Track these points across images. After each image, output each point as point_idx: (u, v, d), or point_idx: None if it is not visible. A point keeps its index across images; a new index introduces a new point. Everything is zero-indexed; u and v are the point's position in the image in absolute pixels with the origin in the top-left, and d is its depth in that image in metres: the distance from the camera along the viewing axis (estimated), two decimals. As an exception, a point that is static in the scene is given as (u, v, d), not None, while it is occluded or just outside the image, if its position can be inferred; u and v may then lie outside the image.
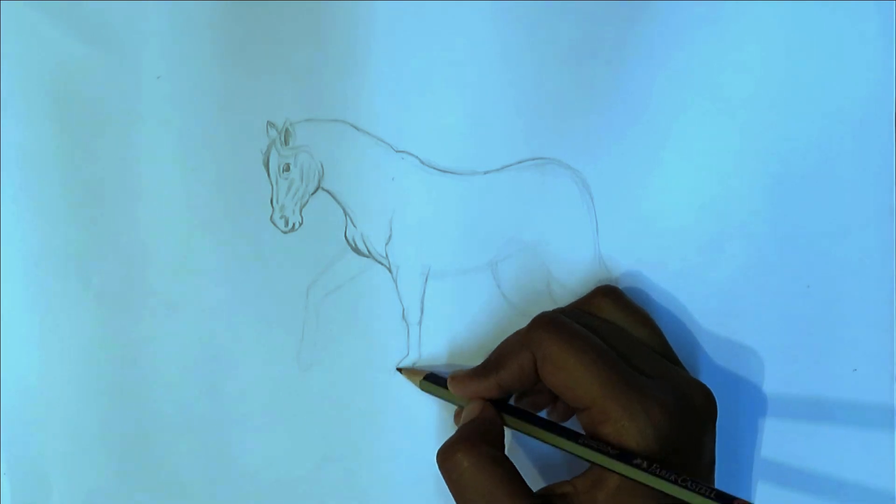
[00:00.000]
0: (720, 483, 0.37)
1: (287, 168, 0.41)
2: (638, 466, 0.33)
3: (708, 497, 0.31)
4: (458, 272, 0.41)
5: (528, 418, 0.37)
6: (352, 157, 0.41)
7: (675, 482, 0.32)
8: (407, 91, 0.40)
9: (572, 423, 0.38)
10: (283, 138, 0.41)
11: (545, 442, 0.36)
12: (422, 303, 0.41)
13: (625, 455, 0.33)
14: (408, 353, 0.42)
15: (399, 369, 0.42)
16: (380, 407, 0.42)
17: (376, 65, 0.40)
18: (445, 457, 0.35)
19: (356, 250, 0.41)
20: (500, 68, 0.40)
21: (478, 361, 0.41)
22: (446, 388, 0.39)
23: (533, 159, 0.41)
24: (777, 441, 0.42)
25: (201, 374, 0.42)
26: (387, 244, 0.41)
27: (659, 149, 0.41)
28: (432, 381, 0.40)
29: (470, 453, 0.34)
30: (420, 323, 0.41)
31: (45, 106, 0.41)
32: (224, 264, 0.41)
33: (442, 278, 0.41)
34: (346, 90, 0.40)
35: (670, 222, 0.41)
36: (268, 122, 0.41)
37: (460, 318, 0.42)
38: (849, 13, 0.40)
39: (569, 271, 0.40)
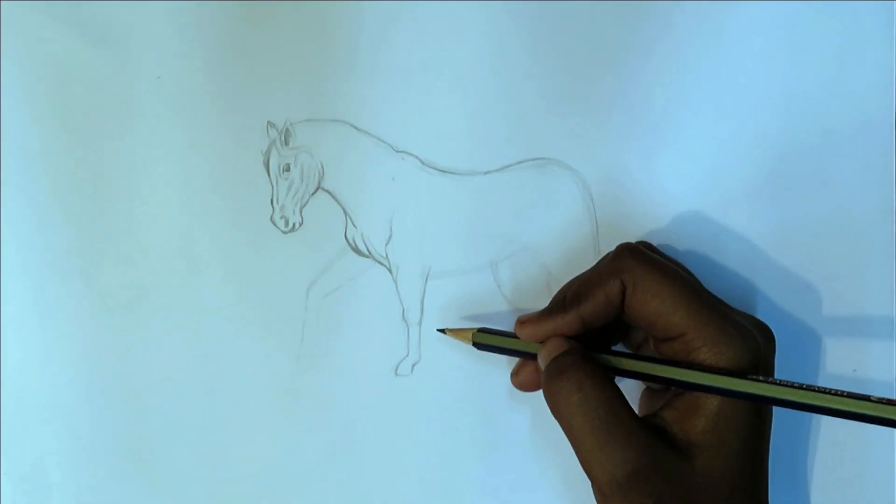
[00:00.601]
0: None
1: (287, 168, 0.41)
2: (756, 380, 0.32)
3: (842, 396, 0.31)
4: (459, 272, 0.41)
5: (620, 354, 0.36)
6: (352, 157, 0.41)
7: (802, 388, 0.31)
8: (407, 91, 0.40)
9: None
10: (283, 138, 0.41)
11: (646, 376, 0.35)
12: (422, 303, 0.41)
13: (738, 372, 0.33)
14: (408, 354, 0.42)
15: (441, 330, 0.40)
16: (380, 407, 0.42)
17: (376, 65, 0.40)
18: (562, 376, 0.34)
19: (356, 250, 0.41)
20: (501, 69, 0.40)
21: (479, 362, 0.41)
22: (505, 337, 0.38)
23: (533, 160, 0.41)
24: (777, 441, 0.42)
25: (201, 374, 0.42)
26: (387, 244, 0.41)
27: (659, 149, 0.41)
28: (486, 336, 0.39)
29: (592, 372, 0.34)
30: (420, 323, 0.41)
31: (45, 106, 0.41)
32: (224, 264, 0.41)
33: (442, 278, 0.41)
34: (347, 90, 0.40)
35: (670, 222, 0.41)
36: (268, 122, 0.41)
37: (460, 319, 0.41)
38: (849, 13, 0.40)
39: (569, 271, 0.40)
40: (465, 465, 0.42)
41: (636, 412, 0.34)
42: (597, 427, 0.33)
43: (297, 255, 0.41)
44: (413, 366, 0.42)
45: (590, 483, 0.35)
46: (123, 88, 0.41)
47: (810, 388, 0.31)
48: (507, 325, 0.41)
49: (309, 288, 0.41)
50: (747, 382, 0.32)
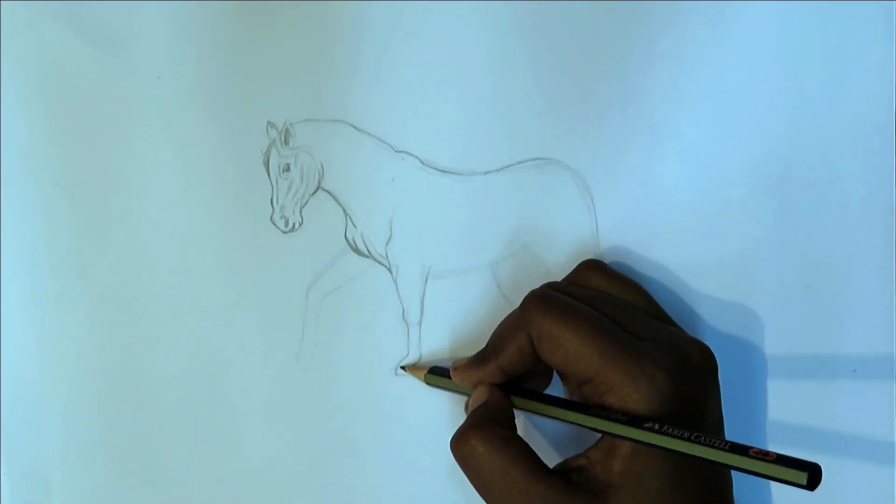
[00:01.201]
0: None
1: (287, 168, 0.41)
2: (649, 429, 0.32)
3: (722, 450, 0.31)
4: (458, 272, 0.41)
5: (534, 397, 0.37)
6: (352, 157, 0.41)
7: (688, 439, 0.31)
8: (407, 91, 0.40)
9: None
10: (283, 138, 0.41)
11: (554, 418, 0.36)
12: (422, 303, 0.41)
13: (635, 420, 0.33)
14: (408, 354, 0.42)
15: (402, 367, 0.42)
16: (380, 407, 0.42)
17: (377, 65, 0.40)
18: (459, 444, 0.35)
19: (356, 250, 0.41)
20: (501, 69, 0.40)
21: (478, 361, 0.41)
22: (450, 379, 0.39)
23: (533, 160, 0.41)
24: (776, 442, 0.42)
25: (201, 374, 0.42)
26: (387, 244, 0.41)
27: (659, 149, 0.41)
28: (437, 373, 0.40)
29: (482, 438, 0.34)
30: (420, 323, 0.41)
31: (46, 106, 0.41)
32: (224, 264, 0.41)
33: (442, 278, 0.41)
34: (347, 90, 0.40)
35: (670, 223, 0.41)
36: (268, 122, 0.41)
37: (460, 319, 0.42)
38: (849, 13, 0.40)
39: (569, 271, 0.40)
40: (464, 465, 0.42)
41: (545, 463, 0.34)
42: (494, 489, 0.34)
43: (297, 255, 0.41)
44: (417, 362, 0.42)
45: None
46: (123, 88, 0.41)
47: (697, 440, 0.31)
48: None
49: (309, 288, 0.41)
50: (639, 431, 0.32)
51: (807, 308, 0.41)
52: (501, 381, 0.38)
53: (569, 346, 0.34)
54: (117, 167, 0.41)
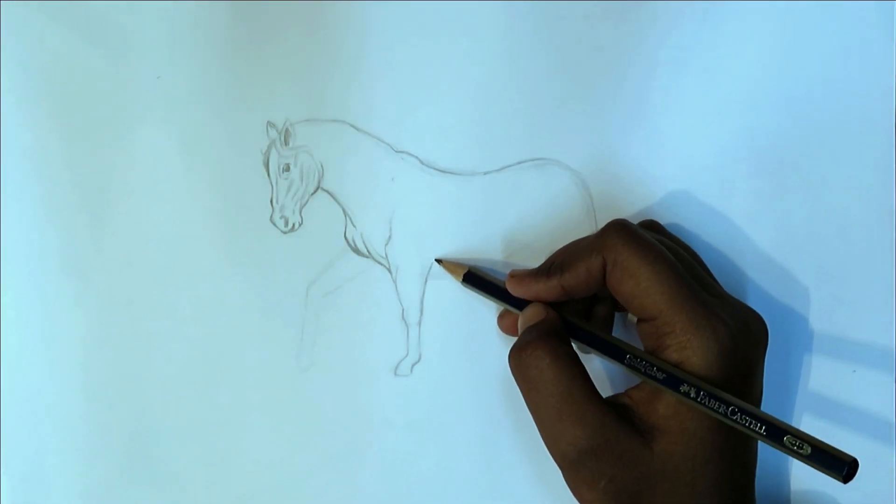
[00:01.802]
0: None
1: (287, 168, 0.41)
2: (685, 395, 0.32)
3: (758, 433, 0.31)
4: (458, 272, 0.41)
5: (579, 329, 0.37)
6: (352, 157, 0.41)
7: (724, 415, 0.32)
8: (407, 91, 0.40)
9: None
10: (283, 138, 0.41)
11: (599, 355, 0.36)
12: (421, 303, 0.41)
13: (672, 380, 0.33)
14: (407, 354, 0.42)
15: (438, 260, 0.41)
16: (379, 407, 0.42)
17: (376, 65, 0.40)
18: (524, 353, 0.35)
19: (356, 250, 0.41)
20: (500, 69, 0.40)
21: (478, 362, 0.41)
22: (491, 285, 0.39)
23: (533, 160, 0.41)
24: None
25: (201, 373, 0.42)
26: (386, 244, 0.41)
27: (659, 150, 0.41)
28: (473, 279, 0.40)
29: (550, 350, 0.34)
30: (420, 323, 0.41)
31: (45, 106, 0.41)
32: (224, 264, 0.41)
33: (441, 279, 0.41)
34: (347, 90, 0.40)
35: (670, 223, 0.41)
36: (268, 122, 0.41)
37: (460, 319, 0.41)
38: (849, 13, 0.40)
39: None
40: (464, 466, 0.42)
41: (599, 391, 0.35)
42: (551, 404, 0.34)
43: (297, 254, 0.41)
44: (412, 366, 0.42)
45: None
46: (123, 88, 0.41)
47: (733, 415, 0.32)
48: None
49: (308, 288, 0.41)
50: (674, 393, 0.33)
51: (807, 309, 0.41)
52: (557, 300, 0.37)
53: (642, 279, 0.34)
54: (117, 167, 0.41)
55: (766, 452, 0.38)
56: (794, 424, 0.41)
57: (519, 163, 0.41)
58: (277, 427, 0.42)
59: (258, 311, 0.41)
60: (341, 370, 0.42)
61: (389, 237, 0.41)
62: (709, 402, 0.32)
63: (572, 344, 0.36)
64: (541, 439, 0.35)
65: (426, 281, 0.41)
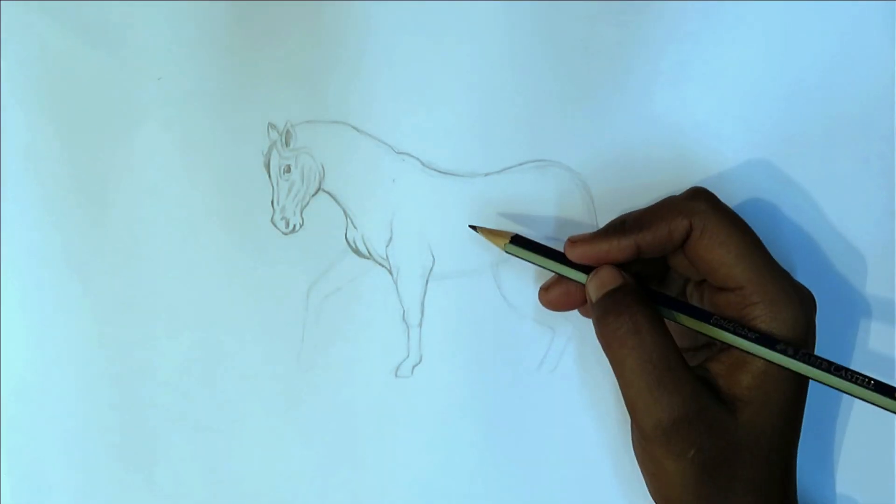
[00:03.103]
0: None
1: (288, 169, 0.41)
2: (783, 352, 0.32)
3: (866, 387, 0.31)
4: (459, 274, 0.41)
5: (659, 294, 0.36)
6: (353, 158, 0.41)
7: (827, 370, 0.32)
8: (408, 93, 0.40)
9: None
10: (284, 140, 0.41)
11: (677, 320, 0.35)
12: (422, 304, 0.41)
13: (766, 340, 0.33)
14: (408, 355, 0.42)
15: (473, 227, 0.39)
16: (380, 408, 0.42)
17: (377, 66, 0.40)
18: (620, 317, 0.34)
19: (357, 252, 0.41)
20: (501, 70, 0.40)
21: (479, 362, 0.41)
22: (543, 248, 0.37)
23: (534, 161, 0.41)
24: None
25: (201, 374, 0.42)
26: (387, 246, 0.41)
27: (659, 151, 0.41)
28: (521, 244, 0.38)
29: (648, 313, 0.34)
30: (420, 325, 0.41)
31: (46, 106, 0.41)
32: (224, 265, 0.41)
33: (442, 280, 0.41)
34: (348, 92, 0.40)
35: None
36: (269, 123, 0.41)
37: (461, 320, 0.42)
38: (849, 13, 0.40)
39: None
40: (464, 467, 0.42)
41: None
42: (649, 370, 0.33)
43: (298, 256, 0.41)
44: (413, 367, 0.42)
45: (629, 428, 0.36)
46: (124, 89, 0.41)
47: (838, 371, 0.32)
48: (508, 327, 0.41)
49: (309, 289, 0.41)
50: (772, 353, 0.33)
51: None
52: (626, 260, 0.36)
53: (733, 247, 0.34)
54: (117, 168, 0.41)
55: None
56: (812, 421, 0.42)
57: (520, 164, 0.41)
58: (278, 428, 0.42)
59: (259, 312, 0.42)
60: (342, 371, 0.42)
61: (390, 238, 0.41)
62: (809, 360, 0.32)
63: None
64: (541, 439, 0.35)
65: (427, 282, 0.41)
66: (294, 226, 0.41)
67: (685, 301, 0.36)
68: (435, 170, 0.41)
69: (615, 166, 0.41)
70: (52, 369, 0.42)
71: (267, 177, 0.41)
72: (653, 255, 0.36)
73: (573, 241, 0.36)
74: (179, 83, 0.40)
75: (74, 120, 0.41)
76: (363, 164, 0.41)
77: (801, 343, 0.34)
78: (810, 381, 0.34)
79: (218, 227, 0.41)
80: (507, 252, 0.38)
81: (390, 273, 0.41)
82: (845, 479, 0.42)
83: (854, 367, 0.41)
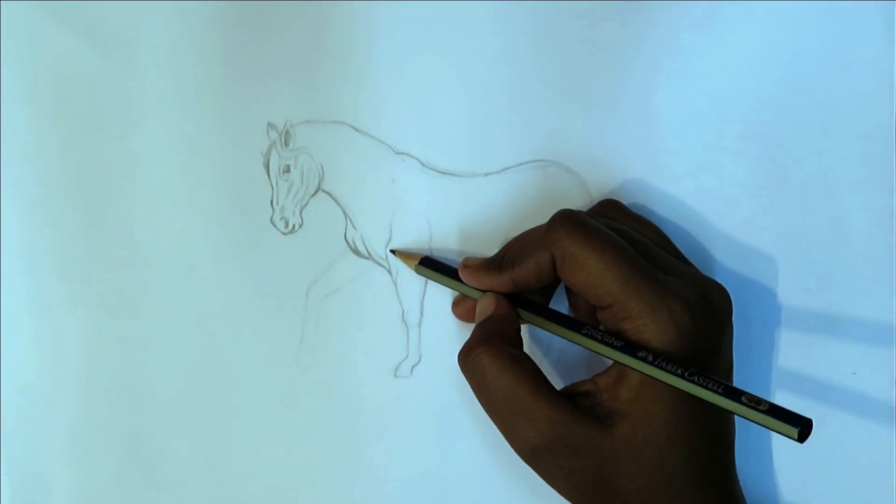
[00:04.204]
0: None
1: (287, 169, 0.41)
2: (643, 359, 0.33)
3: (714, 391, 0.31)
4: (459, 274, 0.41)
5: (537, 310, 0.37)
6: (352, 158, 0.41)
7: (681, 376, 0.32)
8: (407, 93, 0.40)
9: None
10: (283, 140, 0.41)
11: (556, 334, 0.36)
12: (422, 305, 0.41)
13: (629, 347, 0.33)
14: (407, 355, 0.42)
15: (393, 251, 0.41)
16: (379, 408, 0.42)
17: (377, 66, 0.40)
18: (467, 358, 0.35)
19: (356, 252, 0.41)
20: (501, 70, 0.40)
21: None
22: (444, 274, 0.39)
23: (533, 161, 0.41)
24: (776, 444, 0.42)
25: (201, 375, 0.42)
26: (387, 246, 0.41)
27: (658, 151, 0.41)
28: (429, 265, 0.40)
29: (491, 354, 0.35)
30: (420, 325, 0.41)
31: (45, 106, 0.41)
32: (224, 265, 0.41)
33: (442, 280, 0.41)
34: (347, 92, 0.40)
35: (670, 224, 0.41)
36: (268, 123, 0.41)
37: (460, 321, 0.41)
38: (849, 13, 0.40)
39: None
40: (464, 467, 0.42)
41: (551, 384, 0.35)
42: (500, 406, 0.35)
43: (297, 256, 0.41)
44: (412, 367, 0.42)
45: None
46: (123, 88, 0.41)
47: (690, 377, 0.32)
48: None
49: (309, 289, 0.41)
50: (633, 360, 0.33)
51: (807, 310, 0.41)
52: (510, 293, 0.37)
53: (592, 269, 0.34)
54: (117, 167, 0.41)
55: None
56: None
57: (519, 164, 0.41)
58: (277, 428, 0.42)
59: (258, 312, 0.41)
60: (341, 372, 0.42)
61: (390, 238, 0.41)
62: (666, 366, 0.32)
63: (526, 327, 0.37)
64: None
65: (427, 282, 0.41)
66: (293, 226, 0.41)
67: (560, 312, 0.37)
68: (434, 170, 0.41)
69: (615, 166, 0.41)
70: (52, 369, 0.42)
71: (266, 177, 0.41)
72: (536, 286, 0.37)
73: (464, 266, 0.38)
74: (179, 82, 0.40)
75: (74, 119, 0.41)
76: (363, 164, 0.41)
77: (679, 350, 0.33)
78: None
79: (217, 226, 0.41)
80: (417, 273, 0.40)
81: (389, 273, 0.41)
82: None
83: (854, 367, 0.41)
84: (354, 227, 0.41)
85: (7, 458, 0.42)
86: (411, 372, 0.42)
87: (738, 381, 0.40)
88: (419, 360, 0.42)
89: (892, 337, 0.41)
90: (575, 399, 0.35)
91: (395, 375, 0.42)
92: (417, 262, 0.40)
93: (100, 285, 0.42)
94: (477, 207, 0.41)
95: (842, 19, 0.40)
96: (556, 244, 0.35)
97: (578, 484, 0.34)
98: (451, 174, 0.41)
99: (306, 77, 0.40)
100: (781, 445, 0.42)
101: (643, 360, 0.33)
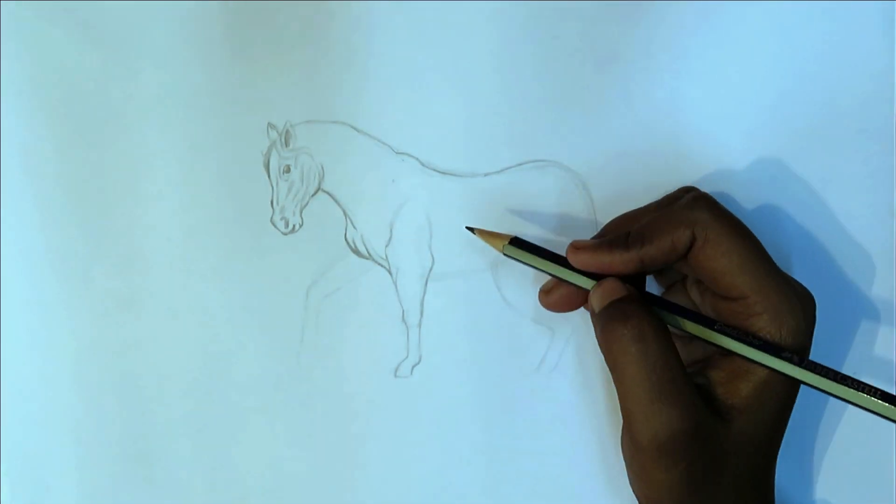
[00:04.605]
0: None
1: (287, 169, 0.41)
2: (788, 360, 0.32)
3: (873, 396, 0.31)
4: (459, 274, 0.41)
5: (661, 301, 0.35)
6: (352, 158, 0.41)
7: (834, 379, 0.32)
8: (407, 93, 0.40)
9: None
10: (283, 140, 0.41)
11: (681, 329, 0.35)
12: (421, 305, 0.41)
13: (769, 347, 0.33)
14: (407, 355, 0.42)
15: (470, 228, 0.39)
16: (379, 409, 0.42)
17: (377, 66, 0.40)
18: (626, 325, 0.33)
19: (356, 252, 0.41)
20: (501, 70, 0.40)
21: (478, 362, 0.41)
22: (539, 256, 0.37)
23: (533, 161, 0.41)
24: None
25: (201, 374, 0.42)
26: (387, 246, 0.41)
27: (658, 151, 0.41)
28: (521, 246, 0.37)
29: (651, 322, 0.33)
30: (420, 325, 0.41)
31: (46, 106, 0.41)
32: (224, 265, 0.41)
33: (442, 280, 0.41)
34: (347, 92, 0.40)
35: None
36: (268, 123, 0.41)
37: (460, 321, 0.41)
38: (849, 13, 0.40)
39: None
40: (464, 468, 0.42)
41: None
42: (651, 382, 0.33)
43: (297, 256, 0.41)
44: (413, 367, 0.42)
45: (620, 438, 0.36)
46: (123, 88, 0.41)
47: (843, 380, 0.32)
48: (508, 328, 0.41)
49: (309, 289, 0.41)
50: (777, 360, 0.33)
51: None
52: (631, 273, 0.35)
53: (736, 256, 0.33)
54: (117, 168, 0.41)
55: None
56: (794, 426, 0.41)
57: (519, 164, 0.41)
58: (277, 428, 0.42)
59: (258, 312, 0.42)
60: (341, 372, 0.42)
61: (390, 239, 0.41)
62: (814, 369, 0.32)
63: None
64: (540, 439, 0.35)
65: (426, 283, 0.41)
66: (293, 226, 0.41)
67: (689, 308, 0.36)
68: (434, 170, 0.41)
69: (615, 166, 0.41)
70: (52, 369, 0.42)
71: (266, 177, 0.41)
72: (657, 267, 0.35)
73: (577, 247, 0.36)
74: (179, 82, 0.40)
75: (74, 119, 0.41)
76: (363, 165, 0.41)
77: (803, 350, 0.34)
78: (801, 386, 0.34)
79: (217, 226, 0.41)
80: (505, 254, 0.38)
81: (390, 273, 0.41)
82: (828, 484, 0.42)
83: (854, 367, 0.41)
84: (354, 227, 0.41)
85: (7, 459, 0.42)
86: (411, 372, 0.42)
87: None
88: (419, 360, 0.42)
89: (892, 337, 0.41)
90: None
91: (395, 375, 0.42)
92: (507, 243, 0.37)
93: (100, 285, 0.42)
94: (477, 207, 0.41)
95: (842, 19, 0.40)
96: (701, 224, 0.34)
97: (692, 475, 0.33)
98: (451, 174, 0.41)
99: (306, 77, 0.40)
100: (781, 445, 0.42)
101: (788, 360, 0.32)
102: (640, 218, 0.37)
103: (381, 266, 0.41)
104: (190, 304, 0.42)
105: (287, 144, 0.41)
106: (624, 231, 0.36)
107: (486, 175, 0.41)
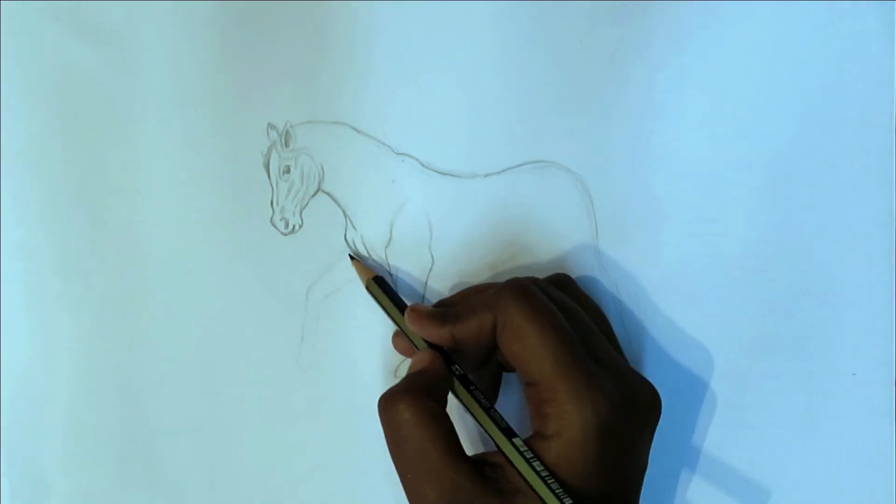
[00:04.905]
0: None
1: (287, 170, 0.41)
2: (516, 447, 0.34)
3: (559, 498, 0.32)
4: (458, 275, 0.41)
5: (463, 382, 0.37)
6: (352, 159, 0.41)
7: (538, 474, 0.33)
8: (408, 93, 0.40)
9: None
10: (283, 140, 0.41)
11: (464, 403, 0.36)
12: (422, 305, 0.41)
13: (509, 430, 0.34)
14: (407, 356, 0.42)
15: (351, 256, 0.41)
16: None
17: (377, 67, 0.40)
18: (387, 405, 0.35)
19: (356, 252, 0.41)
20: (501, 71, 0.40)
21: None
22: (391, 303, 0.39)
23: (533, 162, 0.41)
24: (776, 445, 0.42)
25: (201, 375, 0.42)
26: (387, 246, 0.41)
27: (658, 152, 0.41)
28: (381, 286, 0.40)
29: (411, 405, 0.34)
30: (420, 325, 0.41)
31: (46, 106, 0.41)
32: (224, 266, 0.41)
33: (442, 281, 0.41)
34: (347, 92, 0.40)
35: (670, 225, 0.41)
36: (268, 123, 0.41)
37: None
38: (849, 13, 0.40)
39: (569, 274, 0.40)
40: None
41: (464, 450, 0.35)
42: (408, 458, 0.34)
43: (297, 256, 0.41)
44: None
45: None
46: (123, 88, 0.41)
47: (546, 479, 0.33)
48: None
49: (309, 289, 0.41)
50: (505, 442, 0.34)
51: (806, 311, 0.41)
52: (449, 348, 0.37)
53: (528, 343, 0.34)
54: (117, 168, 0.41)
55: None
56: (794, 426, 0.42)
57: (519, 165, 0.41)
58: (277, 428, 0.42)
59: (258, 312, 0.42)
60: (341, 372, 0.42)
61: (390, 239, 0.41)
62: (530, 458, 0.33)
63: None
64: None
65: (426, 283, 0.41)
66: (293, 226, 0.41)
67: (475, 386, 0.37)
68: (434, 170, 0.41)
69: (614, 167, 0.41)
70: (52, 369, 0.42)
71: (266, 177, 0.41)
72: (474, 347, 0.36)
73: (412, 310, 0.38)
74: (179, 82, 0.40)
75: (74, 119, 0.41)
76: (363, 165, 0.41)
77: (594, 445, 0.33)
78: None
79: (217, 227, 0.41)
80: (367, 289, 0.40)
81: (390, 273, 0.41)
82: (828, 484, 0.42)
83: (854, 367, 0.41)
84: (354, 228, 0.41)
85: (7, 459, 0.42)
86: (411, 372, 0.42)
87: (740, 384, 0.40)
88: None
89: (892, 337, 0.41)
90: (483, 469, 0.34)
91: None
92: (370, 279, 0.40)
93: (100, 285, 0.42)
94: (477, 208, 0.41)
95: (842, 19, 0.40)
96: (501, 309, 0.35)
97: None
98: (451, 175, 0.41)
99: (306, 77, 0.40)
100: (781, 446, 0.42)
101: (516, 447, 0.34)
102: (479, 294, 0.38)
103: (382, 266, 0.41)
104: (190, 304, 0.41)
105: (287, 145, 0.41)
106: (452, 302, 0.38)
107: (486, 176, 0.41)
